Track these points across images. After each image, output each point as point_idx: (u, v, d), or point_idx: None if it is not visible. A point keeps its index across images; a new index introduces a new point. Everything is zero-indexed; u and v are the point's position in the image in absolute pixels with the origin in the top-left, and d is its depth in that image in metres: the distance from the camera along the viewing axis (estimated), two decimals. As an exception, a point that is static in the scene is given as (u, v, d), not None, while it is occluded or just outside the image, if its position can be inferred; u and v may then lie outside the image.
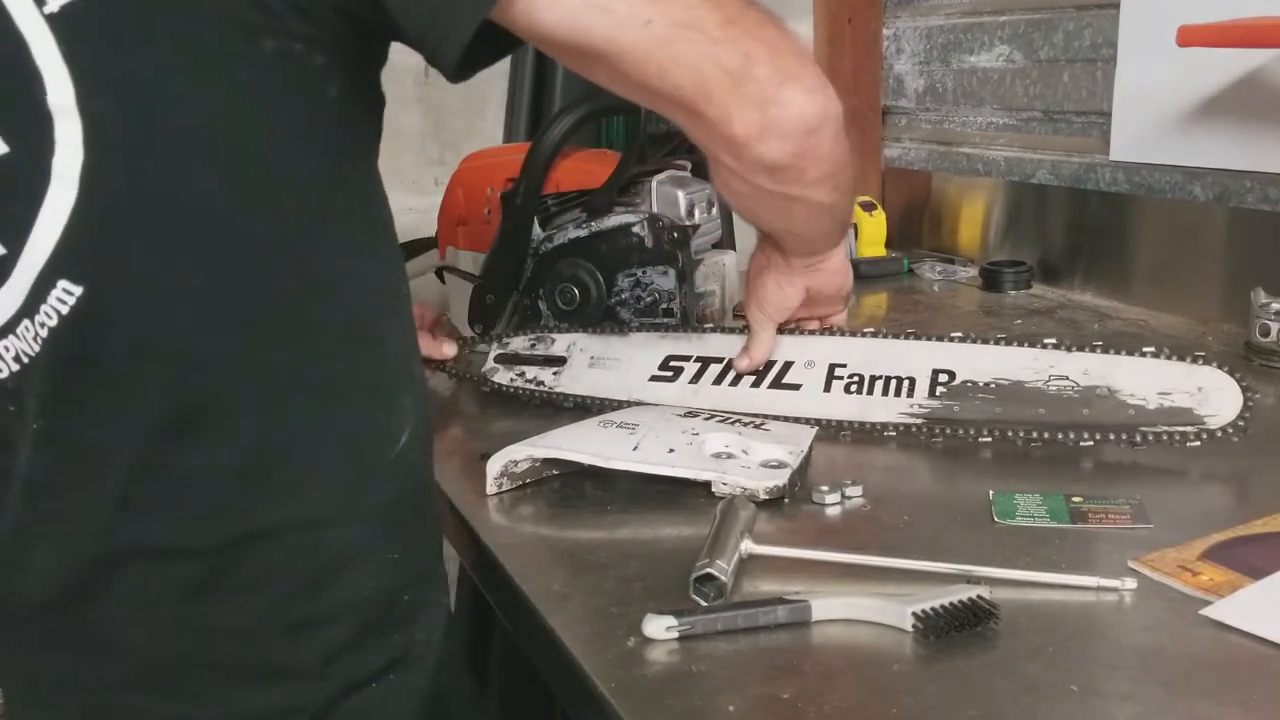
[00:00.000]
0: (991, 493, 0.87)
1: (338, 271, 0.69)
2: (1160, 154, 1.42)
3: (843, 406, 0.99)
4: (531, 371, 1.14)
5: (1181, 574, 0.73)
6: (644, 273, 1.21)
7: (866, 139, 1.90)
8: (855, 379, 1.00)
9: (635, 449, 0.90)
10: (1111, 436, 0.91)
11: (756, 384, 1.04)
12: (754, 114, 0.70)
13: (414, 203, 1.77)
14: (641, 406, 1.03)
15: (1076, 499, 0.85)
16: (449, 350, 1.24)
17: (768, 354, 1.02)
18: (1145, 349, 0.93)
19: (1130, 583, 0.72)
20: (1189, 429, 0.89)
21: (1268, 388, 1.12)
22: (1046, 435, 0.92)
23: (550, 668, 0.72)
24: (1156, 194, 1.45)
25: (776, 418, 1.00)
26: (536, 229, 1.26)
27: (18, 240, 0.64)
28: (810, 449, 0.93)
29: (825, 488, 0.87)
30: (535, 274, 1.25)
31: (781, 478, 0.87)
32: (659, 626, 0.68)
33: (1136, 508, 0.83)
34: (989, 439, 0.94)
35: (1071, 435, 0.91)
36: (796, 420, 1.00)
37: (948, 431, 0.95)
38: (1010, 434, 0.93)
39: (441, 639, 0.76)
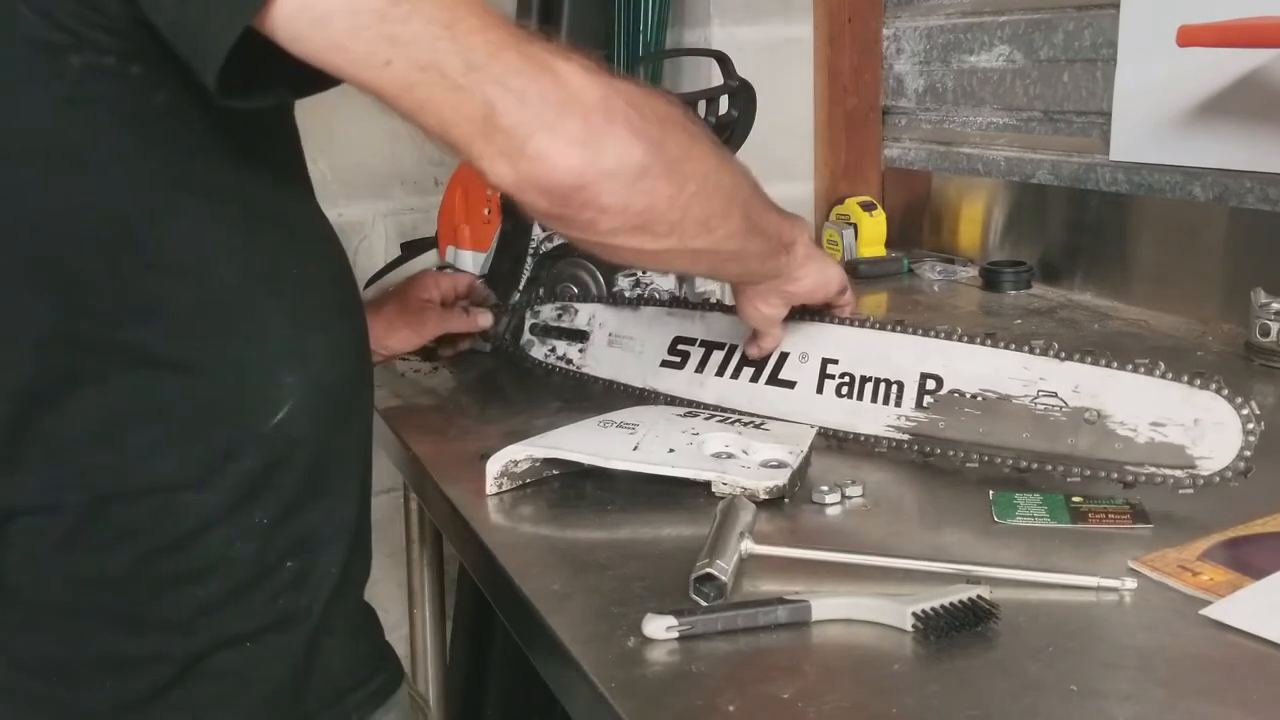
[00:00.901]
0: (991, 493, 0.87)
1: (190, 261, 0.72)
2: (1160, 154, 1.42)
3: (834, 413, 0.99)
4: (561, 347, 1.18)
5: (1181, 574, 0.73)
6: (644, 272, 1.21)
7: (866, 139, 1.90)
8: (846, 379, 0.99)
9: (635, 449, 0.90)
10: (1088, 474, 0.86)
11: (755, 378, 1.04)
12: (505, 165, 0.67)
13: (414, 203, 1.77)
14: (642, 407, 1.03)
15: (1076, 499, 0.85)
16: (484, 321, 1.23)
17: (777, 345, 1.02)
18: (1140, 363, 0.87)
19: (1130, 583, 0.72)
20: (1179, 473, 0.83)
21: (1267, 388, 1.12)
22: (1035, 465, 0.88)
23: (550, 668, 0.72)
24: (1156, 194, 1.45)
25: (775, 419, 1.00)
26: (536, 229, 1.26)
27: None
28: (810, 449, 0.93)
29: (825, 488, 0.87)
30: (535, 274, 1.25)
31: (781, 478, 0.87)
32: (659, 626, 0.68)
33: (1136, 508, 0.83)
34: (975, 464, 0.91)
35: (1060, 468, 0.87)
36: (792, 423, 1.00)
37: (936, 451, 0.93)
38: (998, 460, 0.90)
39: (324, 606, 0.78)
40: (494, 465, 0.91)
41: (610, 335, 1.15)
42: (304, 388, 0.75)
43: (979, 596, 0.69)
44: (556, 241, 1.24)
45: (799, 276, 0.95)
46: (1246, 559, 0.75)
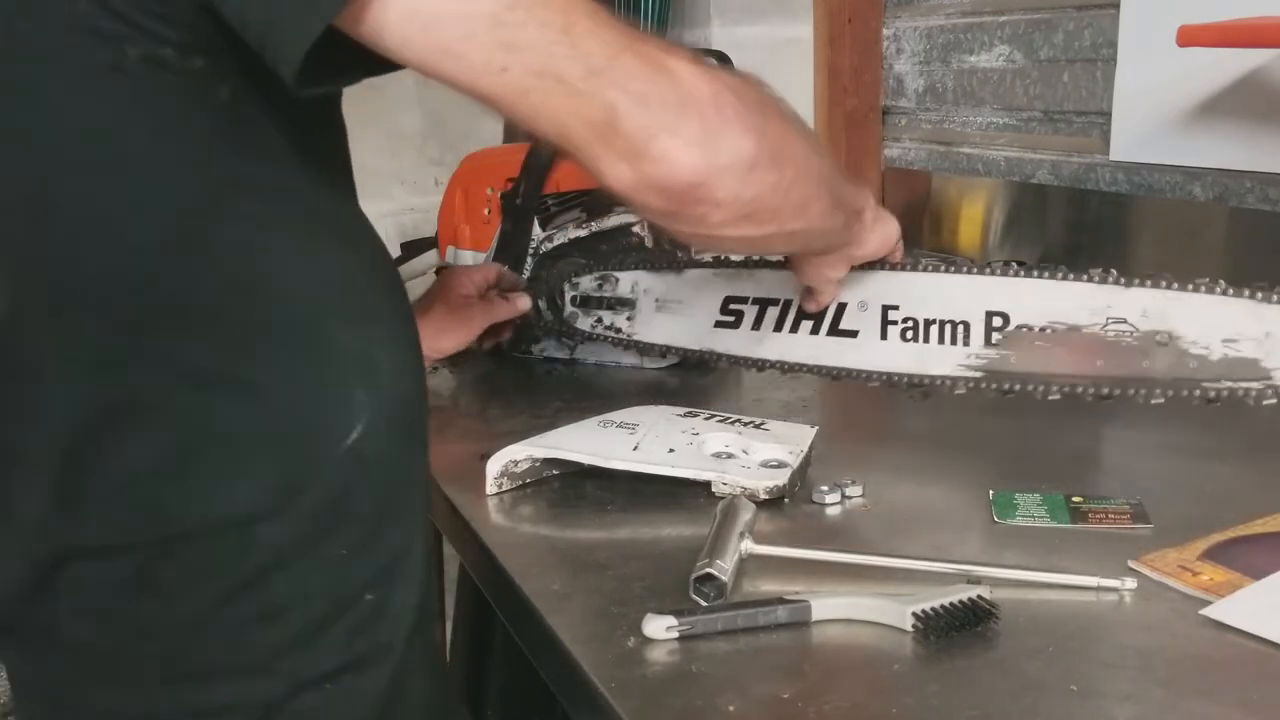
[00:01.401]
0: (991, 493, 0.87)
1: (250, 270, 0.68)
2: (1160, 154, 1.42)
3: (901, 358, 0.98)
4: (608, 317, 1.17)
5: (1181, 574, 0.73)
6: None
7: (867, 139, 1.90)
8: (909, 324, 0.98)
9: (635, 449, 0.90)
10: (1171, 393, 0.88)
11: (816, 330, 1.03)
12: (625, 168, 0.67)
13: (414, 203, 1.77)
14: (642, 407, 1.03)
15: (1076, 499, 0.85)
16: (523, 304, 1.22)
17: (834, 298, 1.02)
18: (1202, 282, 0.88)
19: (1130, 583, 0.72)
20: (1257, 385, 0.85)
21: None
22: (1115, 392, 0.89)
23: (550, 668, 0.72)
24: (1156, 194, 1.45)
25: (837, 371, 1.01)
26: (536, 229, 1.26)
27: None
28: (810, 449, 0.93)
29: (825, 488, 0.87)
30: (535, 274, 1.25)
31: (781, 478, 0.87)
32: (659, 626, 0.68)
33: (1136, 508, 0.83)
34: (1057, 396, 0.92)
35: (1142, 391, 0.88)
36: (859, 373, 1.00)
37: (1016, 388, 0.93)
38: (1079, 390, 0.91)
39: (405, 641, 0.75)
40: (494, 465, 0.91)
41: (658, 301, 1.14)
42: (375, 404, 0.71)
43: (979, 596, 0.69)
44: (556, 241, 1.24)
45: (866, 240, 0.95)
46: (1246, 559, 0.74)
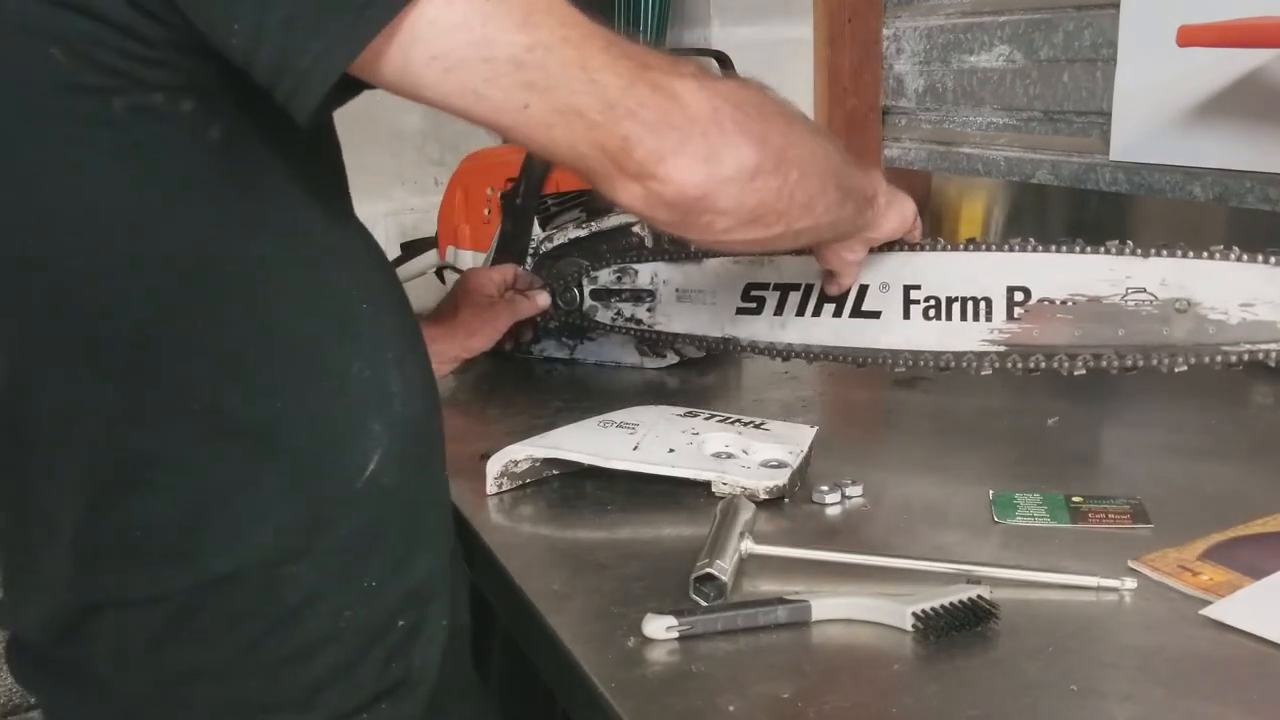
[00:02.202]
0: (991, 493, 0.87)
1: (257, 312, 0.67)
2: (1160, 154, 1.42)
3: (925, 337, 1.00)
4: (627, 309, 1.18)
5: (1181, 574, 0.73)
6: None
7: (866, 139, 1.90)
8: (931, 303, 1.00)
9: (635, 449, 0.90)
10: (1193, 360, 0.91)
11: (838, 313, 1.04)
12: (636, 188, 0.69)
13: (414, 203, 1.77)
14: (642, 407, 1.03)
15: (1076, 499, 0.85)
16: (543, 301, 1.22)
17: (855, 279, 1.03)
18: (1216, 250, 0.91)
19: (1130, 583, 0.72)
20: (1273, 347, 0.89)
21: (1267, 388, 1.12)
22: (1140, 362, 0.92)
23: (550, 668, 0.72)
24: (1156, 194, 1.45)
25: (861, 357, 1.02)
26: (536, 229, 1.26)
27: None
28: (810, 449, 0.93)
29: (825, 488, 0.87)
30: (535, 274, 1.25)
31: (781, 478, 0.87)
32: (659, 626, 0.68)
33: (1136, 508, 0.83)
34: (1082, 370, 0.94)
35: (1166, 360, 0.91)
36: (883, 354, 1.01)
37: (1041, 365, 0.95)
38: (1103, 363, 0.93)
39: (440, 662, 0.75)
40: (494, 465, 0.91)
41: (678, 291, 1.15)
42: (390, 432, 0.72)
43: (979, 596, 0.69)
44: (556, 241, 1.24)
45: (881, 223, 0.97)
46: (1246, 559, 0.74)
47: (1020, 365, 0.96)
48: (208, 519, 0.67)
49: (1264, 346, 0.89)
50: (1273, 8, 1.17)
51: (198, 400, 0.66)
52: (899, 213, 0.98)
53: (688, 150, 0.69)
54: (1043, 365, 0.95)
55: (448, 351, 1.12)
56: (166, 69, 0.61)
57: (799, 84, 1.86)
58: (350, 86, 0.62)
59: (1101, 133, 1.51)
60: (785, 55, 1.84)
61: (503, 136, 0.68)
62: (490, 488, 0.91)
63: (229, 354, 0.67)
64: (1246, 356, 0.89)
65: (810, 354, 1.06)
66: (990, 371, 0.98)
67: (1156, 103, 1.40)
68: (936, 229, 1.80)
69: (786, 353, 1.08)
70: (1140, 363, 0.92)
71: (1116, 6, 1.45)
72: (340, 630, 0.71)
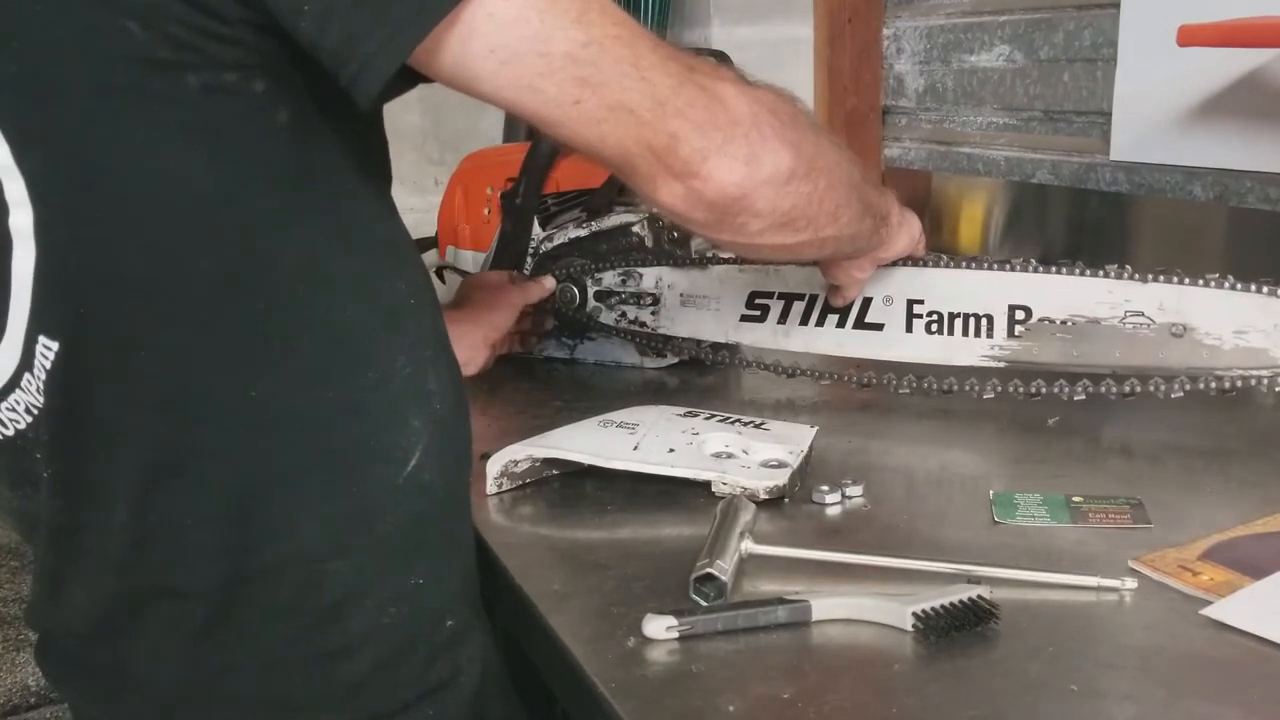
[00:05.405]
0: (991, 493, 0.87)
1: (313, 300, 0.67)
2: (1160, 154, 1.42)
3: (927, 349, 1.02)
4: (631, 312, 1.19)
5: (1181, 574, 0.73)
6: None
7: (866, 139, 1.90)
8: (934, 317, 1.02)
9: (635, 449, 0.90)
10: (1188, 385, 0.92)
11: (841, 324, 1.06)
12: (679, 187, 0.70)
13: (414, 203, 1.77)
14: (642, 407, 1.03)
15: (1076, 499, 0.85)
16: (550, 284, 1.22)
17: (858, 295, 1.05)
18: (1213, 278, 0.93)
19: (1130, 583, 0.72)
20: (1266, 373, 0.90)
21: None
22: (1137, 388, 0.93)
23: (550, 668, 0.72)
24: (1156, 194, 1.45)
25: (863, 365, 1.04)
26: (536, 229, 1.26)
27: (3, 300, 0.66)
28: (810, 449, 0.93)
29: (825, 488, 0.87)
30: (535, 273, 1.25)
31: (781, 478, 0.87)
32: (659, 626, 0.68)
33: (1136, 508, 0.83)
34: (1082, 396, 0.95)
35: (1163, 385, 0.93)
36: (885, 364, 1.03)
37: (1041, 391, 0.97)
38: (1100, 389, 0.95)
39: (480, 666, 0.75)
40: (494, 465, 0.91)
41: (683, 296, 1.16)
42: (430, 429, 0.72)
43: (979, 596, 0.69)
44: (556, 241, 1.24)
45: (892, 242, 0.99)
46: (1246, 559, 0.74)
47: (1021, 390, 0.98)
48: (254, 510, 0.67)
49: (1255, 372, 0.91)
50: (1273, 8, 1.17)
51: (245, 389, 0.66)
52: (909, 233, 1.01)
53: (730, 151, 0.70)
54: (1043, 390, 0.97)
55: (477, 333, 1.14)
56: (241, 48, 0.61)
57: (799, 84, 1.86)
58: (407, 79, 0.63)
59: (1101, 132, 1.51)
60: (785, 55, 1.84)
61: (549, 133, 0.68)
62: (490, 488, 0.91)
63: (284, 340, 0.67)
64: (1240, 382, 0.91)
65: (815, 371, 1.08)
66: (992, 395, 0.99)
67: (1156, 102, 1.40)
68: (937, 229, 1.80)
69: (792, 370, 1.10)
70: (1138, 389, 0.94)
71: (1116, 6, 1.45)
72: (382, 628, 0.71)
